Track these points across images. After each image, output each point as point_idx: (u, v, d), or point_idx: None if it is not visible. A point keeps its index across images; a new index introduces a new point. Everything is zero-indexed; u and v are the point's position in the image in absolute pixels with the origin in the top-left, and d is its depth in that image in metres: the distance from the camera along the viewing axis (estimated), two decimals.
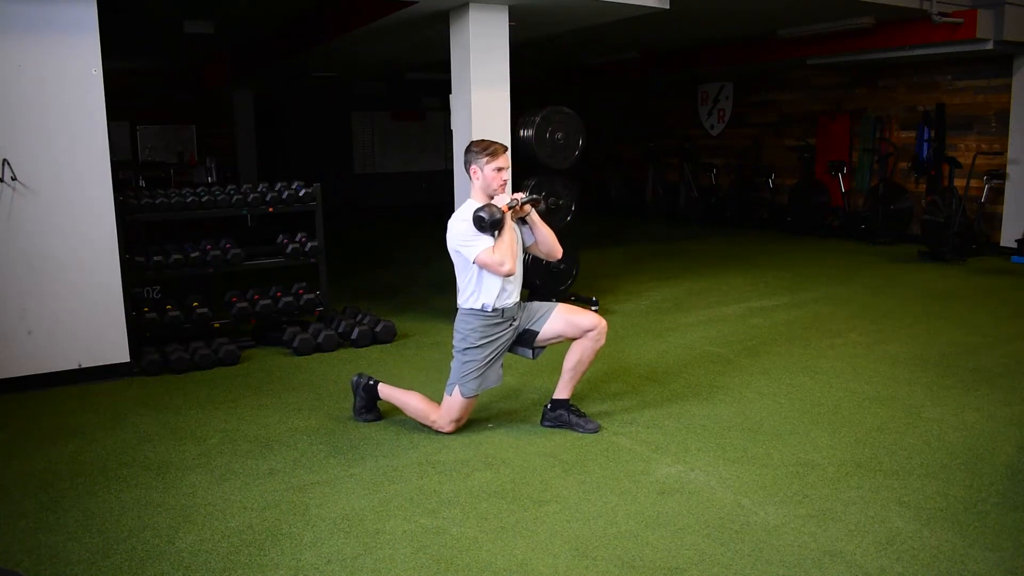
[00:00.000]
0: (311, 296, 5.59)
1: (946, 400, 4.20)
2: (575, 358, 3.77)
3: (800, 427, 3.86)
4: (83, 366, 4.70)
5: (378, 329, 5.53)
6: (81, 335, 4.69)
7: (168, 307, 5.22)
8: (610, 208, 13.49)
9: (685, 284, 7.45)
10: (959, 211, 8.47)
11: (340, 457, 3.58)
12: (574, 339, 3.76)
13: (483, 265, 3.56)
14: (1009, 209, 8.85)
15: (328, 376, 4.82)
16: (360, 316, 5.74)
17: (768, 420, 3.96)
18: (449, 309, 6.45)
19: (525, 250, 3.84)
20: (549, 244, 3.80)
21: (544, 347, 3.84)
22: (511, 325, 3.73)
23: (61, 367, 4.66)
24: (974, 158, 8.90)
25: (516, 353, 3.87)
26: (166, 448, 3.73)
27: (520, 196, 3.68)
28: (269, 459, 3.58)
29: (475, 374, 3.67)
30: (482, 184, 3.65)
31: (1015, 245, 8.53)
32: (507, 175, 3.66)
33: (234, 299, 5.46)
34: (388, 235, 11.69)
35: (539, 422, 3.93)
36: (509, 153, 3.70)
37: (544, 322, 3.75)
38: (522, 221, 3.78)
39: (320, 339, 5.31)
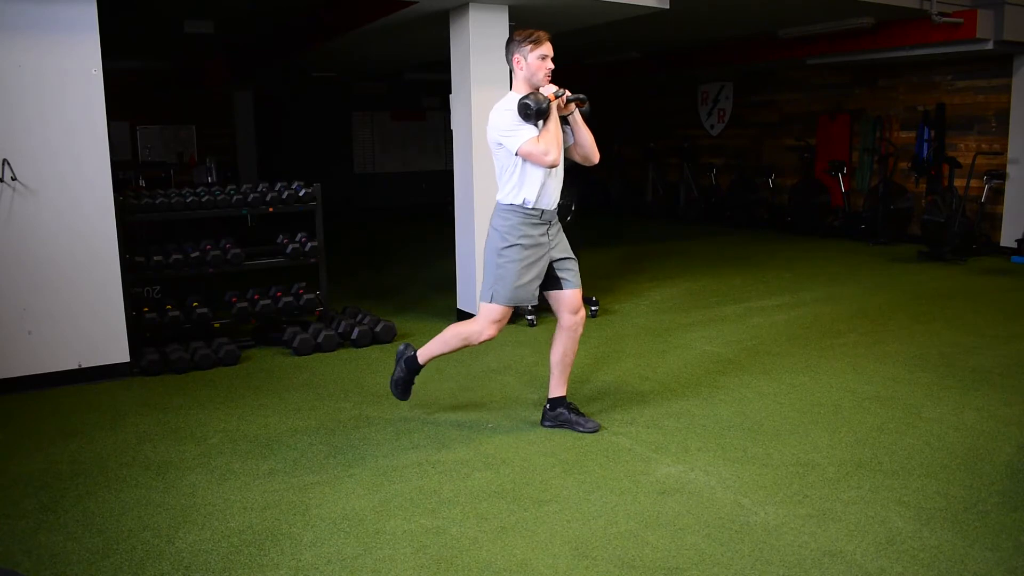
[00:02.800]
0: (311, 296, 5.59)
1: (946, 400, 4.20)
2: (560, 351, 3.77)
3: (800, 427, 3.86)
4: (83, 366, 4.70)
5: (378, 329, 5.53)
6: (81, 335, 4.69)
7: (168, 307, 5.22)
8: (610, 208, 13.49)
9: (685, 284, 7.45)
10: (959, 211, 8.47)
11: (340, 457, 3.58)
12: (557, 314, 3.73)
13: (526, 155, 3.45)
14: (1009, 209, 8.85)
15: (328, 376, 4.82)
16: (360, 316, 5.74)
17: (768, 420, 3.96)
18: (449, 309, 6.47)
19: (565, 151, 3.70)
20: (587, 147, 3.70)
21: (535, 316, 3.75)
22: (547, 232, 3.62)
23: (61, 367, 4.66)
24: (974, 158, 8.90)
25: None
26: (166, 448, 3.73)
27: (567, 92, 3.56)
28: (269, 459, 3.58)
29: (513, 278, 3.55)
30: (526, 74, 3.54)
31: (1015, 245, 8.53)
32: (551, 64, 3.55)
33: (234, 299, 5.45)
34: (388, 235, 11.69)
35: (539, 422, 3.93)
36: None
37: (565, 287, 3.69)
38: (564, 120, 3.63)
39: (320, 339, 5.31)
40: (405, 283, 7.80)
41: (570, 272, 3.73)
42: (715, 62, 10.59)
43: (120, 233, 4.78)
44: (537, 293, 3.66)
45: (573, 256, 3.78)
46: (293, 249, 5.57)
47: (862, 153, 10.34)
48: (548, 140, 3.44)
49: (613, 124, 13.97)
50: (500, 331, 3.73)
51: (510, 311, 3.69)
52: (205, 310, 5.29)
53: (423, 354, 3.88)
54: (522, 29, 3.60)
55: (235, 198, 5.42)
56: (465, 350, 5.30)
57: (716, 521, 2.93)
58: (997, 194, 8.94)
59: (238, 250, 5.40)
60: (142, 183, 10.80)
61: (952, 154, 9.20)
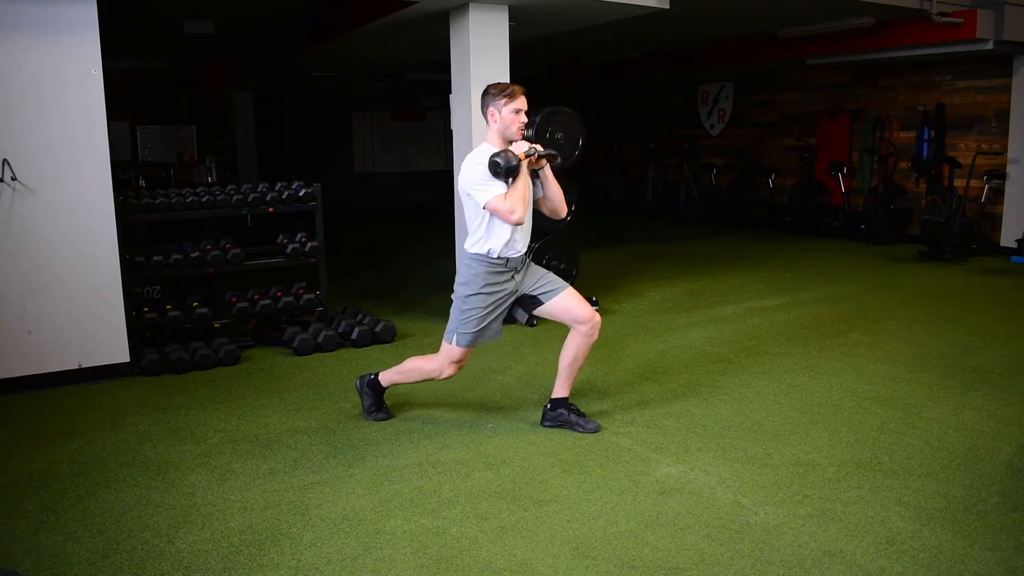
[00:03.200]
0: (311, 296, 5.59)
1: (946, 400, 4.20)
2: (571, 355, 3.77)
3: (800, 427, 3.86)
4: (83, 366, 4.70)
5: (378, 329, 5.53)
6: (81, 335, 4.69)
7: (168, 307, 5.22)
8: (610, 208, 13.49)
9: (685, 284, 7.45)
10: (959, 211, 8.47)
11: (340, 457, 3.58)
12: (566, 327, 3.75)
13: (493, 211, 3.50)
14: (1009, 209, 8.85)
15: (328, 376, 4.82)
16: (360, 316, 5.74)
17: (768, 420, 3.96)
18: (449, 309, 6.45)
19: (534, 203, 3.76)
20: (556, 201, 3.75)
21: (538, 318, 3.80)
22: (513, 278, 3.68)
23: (61, 367, 4.66)
24: (974, 158, 8.90)
25: (512, 314, 3.81)
26: (166, 448, 3.73)
27: (538, 147, 3.60)
28: (269, 459, 3.58)
29: (474, 324, 3.63)
30: (500, 127, 3.58)
31: (1015, 245, 8.53)
32: (525, 118, 3.60)
33: (234, 299, 5.45)
34: (388, 235, 11.69)
35: (539, 422, 3.93)
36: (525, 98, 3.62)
37: (551, 298, 3.72)
38: (535, 174, 3.71)
39: (320, 339, 5.31)
40: (405, 283, 7.80)
41: (548, 283, 3.75)
42: (715, 62, 10.59)
43: (120, 233, 4.78)
44: (501, 331, 3.74)
45: (547, 272, 3.82)
46: (293, 249, 5.57)
47: (862, 153, 10.34)
48: (515, 199, 3.48)
49: (613, 124, 13.97)
50: (460, 369, 3.82)
51: (471, 351, 3.76)
52: (205, 310, 5.29)
53: (384, 378, 3.99)
54: (497, 82, 3.65)
55: (235, 198, 5.42)
56: None
57: (716, 521, 2.93)
58: (997, 194, 8.94)
59: (238, 250, 5.40)
60: (142, 183, 10.80)
61: (952, 154, 9.20)
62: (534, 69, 12.50)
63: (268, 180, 6.08)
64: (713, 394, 4.37)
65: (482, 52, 5.72)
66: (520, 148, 3.55)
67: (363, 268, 8.76)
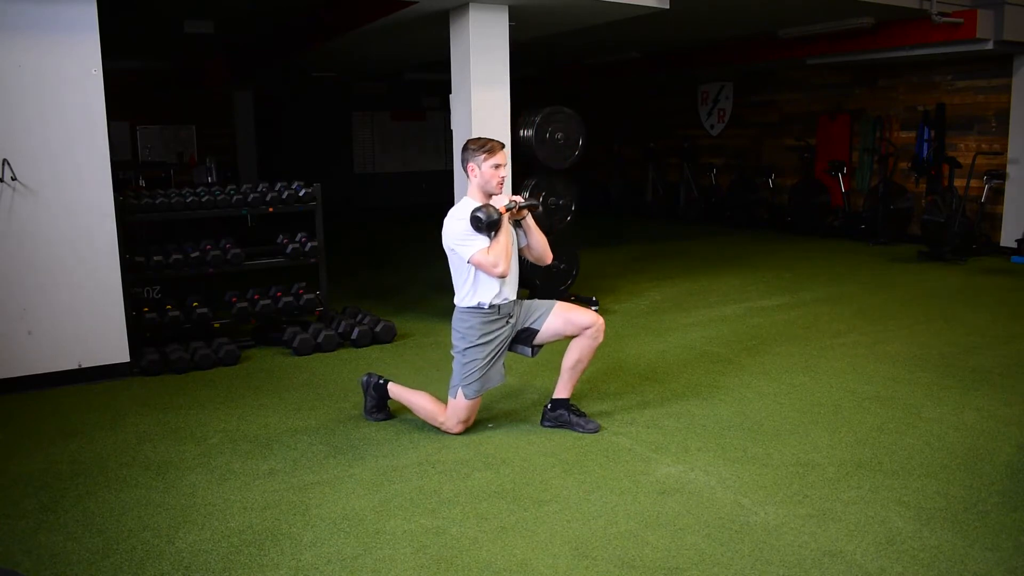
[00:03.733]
0: (311, 296, 5.59)
1: (946, 400, 4.20)
2: (574, 357, 3.77)
3: (800, 427, 3.86)
4: (83, 366, 4.70)
5: (378, 329, 5.53)
6: (81, 335, 4.69)
7: (168, 307, 5.22)
8: (610, 208, 13.49)
9: (685, 284, 7.45)
10: (959, 211, 8.47)
11: (340, 457, 3.58)
12: (573, 336, 3.76)
13: (477, 265, 3.57)
14: (1009, 209, 8.85)
15: (328, 376, 4.82)
16: (360, 316, 5.74)
17: (768, 420, 3.96)
18: (449, 309, 6.45)
19: (519, 251, 3.84)
20: (540, 250, 3.83)
21: (543, 345, 3.84)
22: (508, 322, 3.73)
23: (61, 367, 4.66)
24: (974, 158, 8.90)
25: (515, 351, 3.87)
26: (166, 448, 3.73)
27: (518, 199, 3.68)
28: (269, 459, 3.58)
29: (477, 374, 3.67)
30: (480, 182, 3.64)
31: (1015, 245, 8.53)
32: (504, 172, 3.65)
33: (234, 299, 5.45)
34: (388, 235, 11.69)
35: (539, 422, 3.93)
36: (508, 150, 3.70)
37: (543, 321, 3.75)
38: (517, 224, 3.77)
39: (320, 339, 5.31)
40: (405, 283, 7.80)
41: (536, 309, 3.78)
42: (715, 62, 10.59)
43: (120, 233, 4.78)
44: (504, 374, 3.77)
45: (532, 301, 3.85)
46: (293, 249, 5.57)
47: (862, 153, 10.35)
48: (497, 252, 3.53)
49: (613, 124, 13.97)
50: (467, 428, 3.81)
51: (478, 404, 3.79)
52: (205, 310, 5.29)
53: (394, 392, 3.98)
54: (477, 138, 3.69)
55: (235, 198, 5.42)
56: None
57: (716, 521, 2.93)
58: (997, 194, 8.95)
59: (238, 250, 5.40)
60: (142, 183, 10.80)
61: (952, 154, 9.20)
62: (534, 69, 12.50)
63: (268, 180, 6.08)
64: (713, 394, 4.37)
65: (482, 52, 5.72)
66: (501, 202, 3.60)
67: (363, 268, 8.76)
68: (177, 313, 5.17)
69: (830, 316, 6.11)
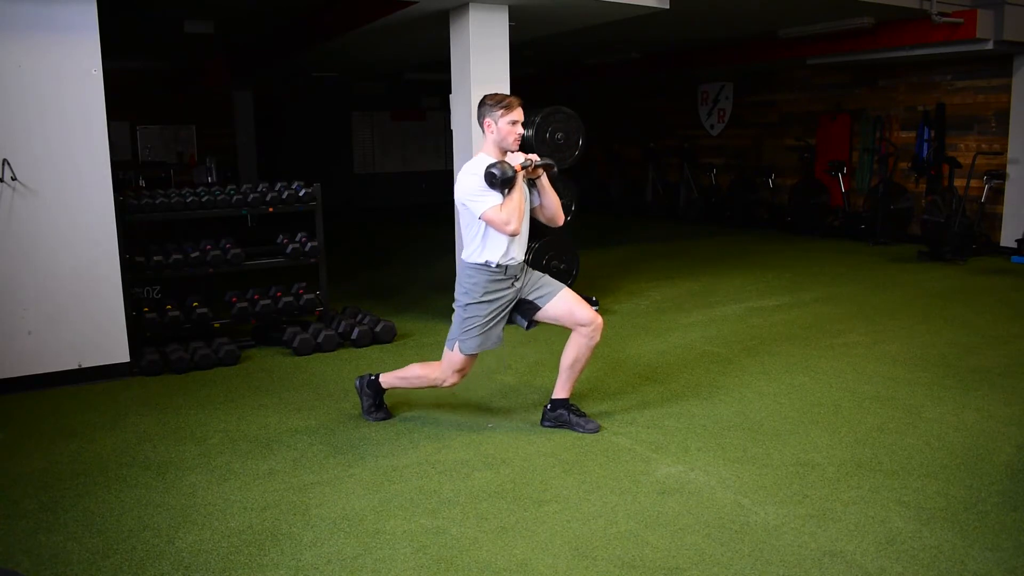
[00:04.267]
0: (311, 296, 5.59)
1: (946, 400, 4.20)
2: (572, 356, 3.76)
3: (800, 427, 3.86)
4: (83, 366, 4.70)
5: (378, 329, 5.53)
6: (81, 335, 4.69)
7: (168, 307, 5.22)
8: (610, 208, 13.49)
9: (685, 284, 7.45)
10: (959, 211, 8.47)
11: (340, 457, 3.58)
12: (568, 329, 3.75)
13: (488, 222, 3.51)
14: (1009, 209, 8.85)
15: (328, 376, 4.82)
16: (360, 316, 5.74)
17: (768, 420, 3.96)
18: (449, 309, 6.45)
19: (530, 212, 3.78)
20: (553, 210, 3.76)
21: (539, 323, 3.81)
22: (513, 285, 3.68)
23: (61, 367, 4.66)
24: (974, 158, 8.90)
25: (512, 321, 3.81)
26: (166, 448, 3.73)
27: (534, 158, 3.61)
28: (269, 459, 3.58)
29: (476, 332, 3.64)
30: (496, 138, 3.57)
31: (1015, 245, 8.53)
32: (521, 129, 3.60)
33: (234, 299, 5.46)
34: (388, 235, 11.69)
35: (539, 422, 3.93)
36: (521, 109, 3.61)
37: (548, 301, 3.72)
38: (531, 183, 3.71)
39: (320, 339, 5.31)
40: (405, 283, 7.80)
41: (544, 286, 3.76)
42: (715, 62, 10.59)
43: (120, 233, 4.78)
44: (502, 338, 3.73)
45: (543, 276, 3.83)
46: (293, 249, 5.57)
47: (862, 153, 10.35)
48: (510, 210, 3.49)
49: (613, 124, 13.97)
50: (463, 377, 3.82)
51: (474, 360, 3.77)
52: (205, 310, 5.29)
53: (385, 380, 3.99)
54: (494, 93, 3.65)
55: (235, 198, 5.42)
56: None
57: (716, 521, 2.93)
58: (997, 194, 8.94)
59: (238, 250, 5.40)
60: (142, 183, 10.80)
61: (952, 154, 9.20)
62: (534, 69, 12.50)
63: (268, 180, 6.08)
64: (713, 394, 4.37)
65: (482, 52, 5.72)
66: (516, 159, 3.56)
67: (363, 268, 8.76)
68: (177, 313, 5.17)
69: (830, 316, 6.11)
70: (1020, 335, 5.48)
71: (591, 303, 6.28)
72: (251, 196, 5.45)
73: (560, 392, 3.85)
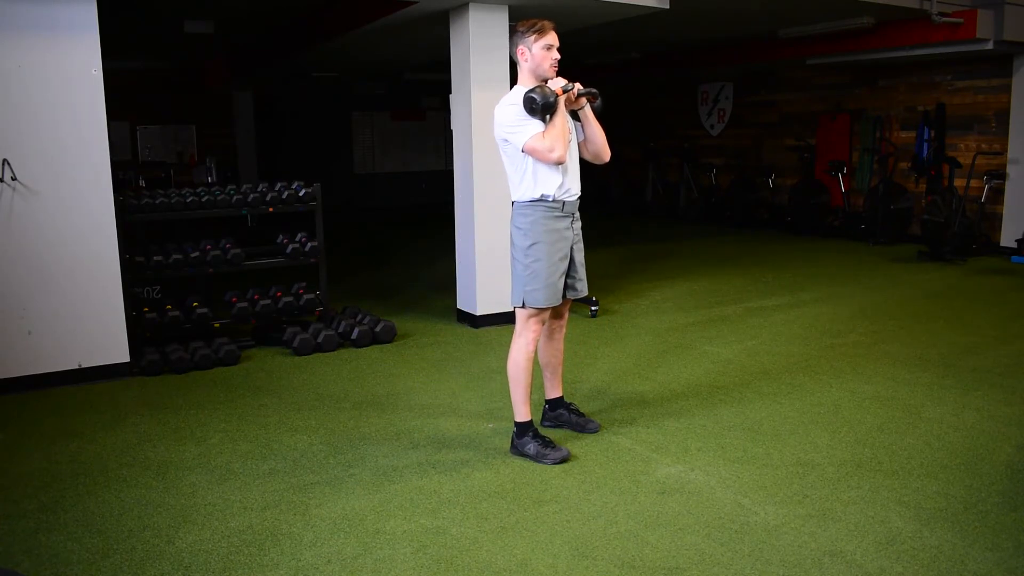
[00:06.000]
0: (311, 296, 5.59)
1: (946, 400, 4.20)
2: (547, 353, 3.74)
3: (800, 427, 3.86)
4: (83, 366, 4.70)
5: (378, 329, 5.53)
6: (81, 335, 4.69)
7: (168, 307, 5.22)
8: (610, 208, 13.49)
9: (685, 284, 7.45)
10: (959, 211, 8.47)
11: (340, 457, 3.58)
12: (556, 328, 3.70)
13: (531, 151, 3.27)
14: (1009, 209, 8.85)
15: (328, 376, 4.82)
16: (360, 316, 5.74)
17: (768, 420, 3.96)
18: (449, 309, 6.47)
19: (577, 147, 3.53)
20: (598, 144, 3.52)
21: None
22: (572, 226, 3.45)
23: (61, 367, 4.66)
24: (974, 158, 8.90)
25: None
26: (166, 448, 3.73)
27: (578, 85, 3.40)
28: (269, 459, 3.58)
29: (543, 278, 3.35)
30: (531, 66, 3.38)
31: (1015, 245, 8.53)
32: (557, 54, 3.39)
33: (234, 299, 5.46)
34: (388, 235, 11.69)
35: (539, 422, 3.93)
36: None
37: (570, 296, 3.58)
38: (574, 115, 3.48)
39: (320, 339, 5.31)
40: (405, 283, 7.80)
41: (580, 281, 3.59)
42: (715, 62, 10.59)
43: (120, 233, 4.78)
44: (562, 293, 3.48)
45: (583, 263, 3.64)
46: (293, 249, 5.57)
47: (862, 153, 10.35)
48: (553, 136, 3.25)
49: (613, 124, 13.94)
50: (544, 324, 3.54)
51: (547, 316, 3.51)
52: (205, 310, 5.29)
53: (519, 414, 3.55)
54: (525, 20, 3.45)
55: (235, 198, 5.42)
56: (464, 351, 5.31)
57: (716, 521, 2.93)
58: (997, 194, 8.94)
59: (238, 250, 5.40)
60: (142, 183, 10.81)
61: (952, 154, 9.20)
62: None
63: (268, 180, 6.08)
64: (713, 394, 4.37)
65: (482, 52, 5.72)
66: (557, 84, 3.34)
67: (363, 268, 8.76)
68: (177, 313, 5.17)
69: (830, 316, 6.11)
70: (1020, 335, 5.48)
71: (591, 303, 6.28)
72: (251, 196, 5.45)
73: (552, 391, 3.84)
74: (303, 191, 5.60)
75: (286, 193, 5.56)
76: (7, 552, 2.80)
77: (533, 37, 3.36)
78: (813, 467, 3.39)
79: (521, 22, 3.42)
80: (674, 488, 3.21)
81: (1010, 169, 8.79)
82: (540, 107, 3.25)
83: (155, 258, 5.18)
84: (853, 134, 10.49)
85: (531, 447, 3.49)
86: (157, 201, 5.19)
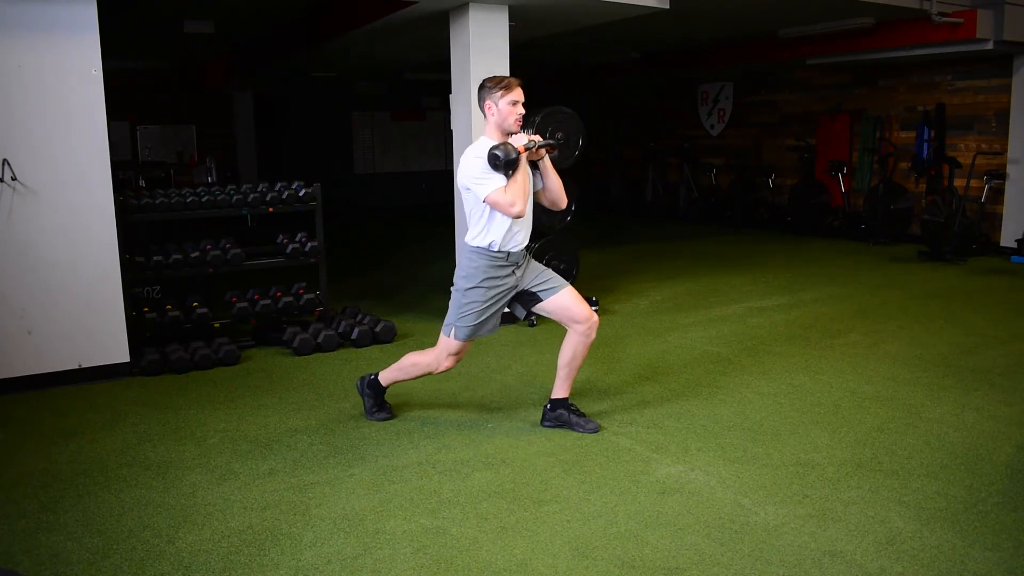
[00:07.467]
0: (311, 296, 5.59)
1: (946, 400, 4.20)
2: (568, 354, 3.76)
3: (800, 427, 3.86)
4: (83, 366, 4.70)
5: (378, 329, 5.53)
6: (81, 335, 4.69)
7: (168, 307, 5.22)
8: (610, 208, 13.49)
9: (685, 284, 7.45)
10: (959, 211, 8.47)
11: (340, 457, 3.58)
12: (564, 325, 3.75)
13: (493, 204, 3.49)
14: (1009, 209, 8.86)
15: (328, 376, 4.82)
16: (360, 316, 5.74)
17: (768, 420, 3.96)
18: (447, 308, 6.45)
19: (534, 195, 3.76)
20: (556, 193, 3.75)
21: (536, 315, 3.79)
22: (514, 272, 3.67)
23: (61, 367, 4.66)
24: (974, 158, 8.90)
25: (511, 309, 3.80)
26: (166, 448, 3.73)
27: (537, 138, 3.59)
28: (269, 459, 3.58)
29: (473, 318, 3.64)
30: (497, 120, 3.56)
31: (1015, 245, 8.53)
32: (522, 109, 3.58)
33: (234, 299, 5.46)
34: (388, 235, 11.69)
35: (539, 422, 3.93)
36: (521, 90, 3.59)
37: (550, 295, 3.71)
38: (534, 165, 3.68)
39: (320, 339, 5.31)
40: (405, 283, 7.80)
41: (549, 280, 3.74)
42: (715, 62, 10.59)
43: (120, 233, 4.78)
44: (498, 326, 3.74)
45: (547, 270, 3.81)
46: (293, 249, 5.57)
47: (862, 153, 10.35)
48: (515, 191, 3.47)
49: (613, 124, 13.97)
50: (459, 361, 3.85)
51: (469, 345, 3.78)
52: (205, 310, 5.29)
53: (384, 376, 3.99)
54: (493, 76, 3.64)
55: (235, 198, 5.42)
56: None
57: (716, 521, 2.93)
58: (997, 194, 8.95)
59: (238, 250, 5.40)
60: (142, 183, 10.80)
61: (952, 154, 9.20)
62: (534, 69, 12.50)
63: (268, 180, 6.08)
64: (713, 394, 4.37)
65: (482, 52, 5.72)
66: (519, 140, 3.53)
67: (363, 268, 8.76)
68: (177, 313, 5.17)
69: (830, 316, 6.11)
70: (1020, 335, 5.48)
71: (591, 303, 6.28)
72: (251, 196, 5.46)
73: (559, 391, 3.85)
74: (303, 191, 5.60)
75: (286, 193, 5.56)
76: (7, 552, 2.80)
77: (500, 93, 3.55)
78: (813, 467, 3.39)
79: (489, 78, 3.63)
80: (674, 488, 3.21)
81: (1010, 169, 8.79)
82: (503, 164, 3.45)
83: (155, 258, 5.18)
84: (853, 134, 10.49)
85: (370, 403, 4.03)
86: (157, 201, 5.19)
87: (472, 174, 3.52)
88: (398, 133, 15.23)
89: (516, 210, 3.48)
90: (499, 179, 3.49)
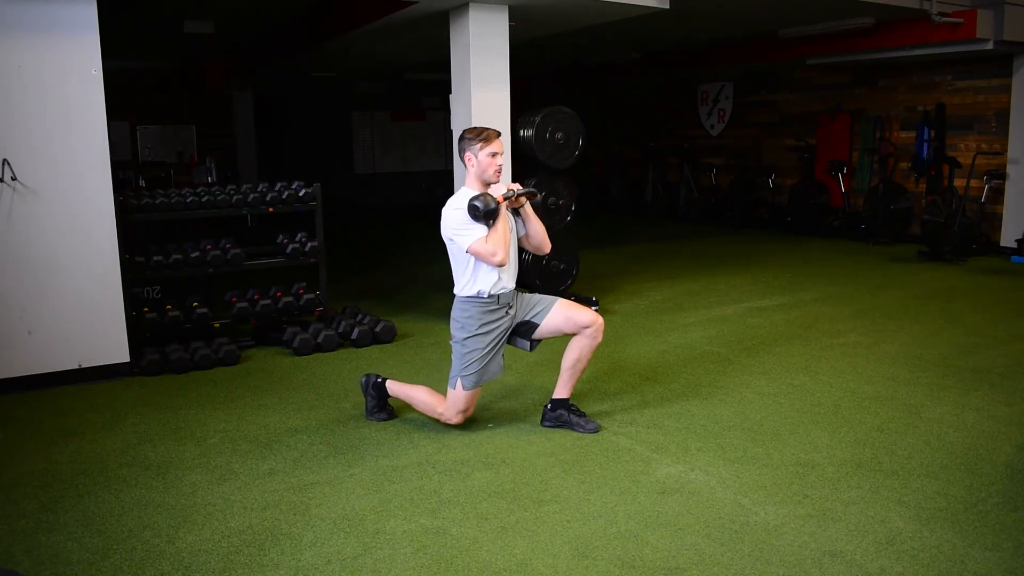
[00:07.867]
0: (311, 296, 5.59)
1: (946, 400, 4.20)
2: (574, 356, 3.77)
3: (800, 427, 3.86)
4: (83, 366, 4.70)
5: (378, 329, 5.53)
6: (81, 335, 4.69)
7: (168, 307, 5.22)
8: (610, 208, 13.49)
9: (685, 284, 7.45)
10: (959, 211, 8.47)
11: (340, 457, 3.58)
12: (572, 335, 3.77)
13: (475, 254, 3.56)
14: (1009, 209, 8.85)
15: (328, 376, 4.82)
16: (360, 316, 5.74)
17: (768, 420, 3.96)
18: (448, 309, 6.45)
19: (518, 240, 3.85)
20: (539, 239, 3.83)
21: (541, 340, 3.83)
22: (507, 313, 3.73)
23: (61, 367, 4.66)
24: (974, 158, 8.90)
25: (514, 344, 3.86)
26: (166, 448, 3.73)
27: (516, 187, 3.69)
28: (269, 459, 3.58)
29: (476, 365, 3.68)
30: (477, 171, 3.64)
31: (1015, 245, 8.53)
32: (501, 160, 3.65)
33: (234, 299, 5.45)
34: (388, 235, 11.69)
35: (539, 422, 3.93)
36: (508, 138, 3.70)
37: (544, 316, 3.76)
38: (516, 212, 3.78)
39: (320, 339, 5.31)
40: (405, 283, 7.80)
41: (537, 304, 3.79)
42: (715, 62, 10.59)
43: (120, 233, 4.78)
44: (503, 366, 3.77)
45: (532, 295, 3.86)
46: (293, 249, 5.57)
47: (862, 153, 10.35)
48: (495, 241, 3.54)
49: (613, 124, 13.97)
50: (467, 419, 3.84)
51: (477, 395, 3.81)
52: (205, 310, 5.29)
53: (392, 389, 4.00)
54: (473, 127, 3.70)
55: (235, 198, 5.42)
56: None
57: (716, 521, 2.93)
58: (997, 194, 8.94)
59: (238, 250, 5.40)
60: (142, 183, 10.80)
61: (952, 154, 9.20)
62: (534, 69, 12.50)
63: (268, 180, 6.08)
64: (713, 394, 4.37)
65: (482, 52, 5.72)
66: (498, 190, 3.61)
67: (363, 268, 8.76)
68: (177, 313, 5.17)
69: (830, 316, 6.11)
70: (1020, 335, 5.48)
71: (591, 303, 6.28)
72: (251, 196, 5.45)
73: (561, 392, 3.85)
74: (303, 191, 5.60)
75: (286, 193, 5.56)
76: (7, 552, 2.80)
77: (479, 145, 3.61)
78: (813, 467, 3.39)
79: (468, 129, 3.69)
80: (674, 488, 3.21)
81: (1010, 169, 8.79)
82: (483, 214, 3.52)
83: (155, 258, 5.18)
84: (853, 134, 10.49)
85: (372, 404, 4.02)
86: (157, 201, 5.19)
87: (454, 225, 3.59)
88: (398, 133, 15.23)
89: (497, 259, 3.54)
90: (480, 229, 3.56)
